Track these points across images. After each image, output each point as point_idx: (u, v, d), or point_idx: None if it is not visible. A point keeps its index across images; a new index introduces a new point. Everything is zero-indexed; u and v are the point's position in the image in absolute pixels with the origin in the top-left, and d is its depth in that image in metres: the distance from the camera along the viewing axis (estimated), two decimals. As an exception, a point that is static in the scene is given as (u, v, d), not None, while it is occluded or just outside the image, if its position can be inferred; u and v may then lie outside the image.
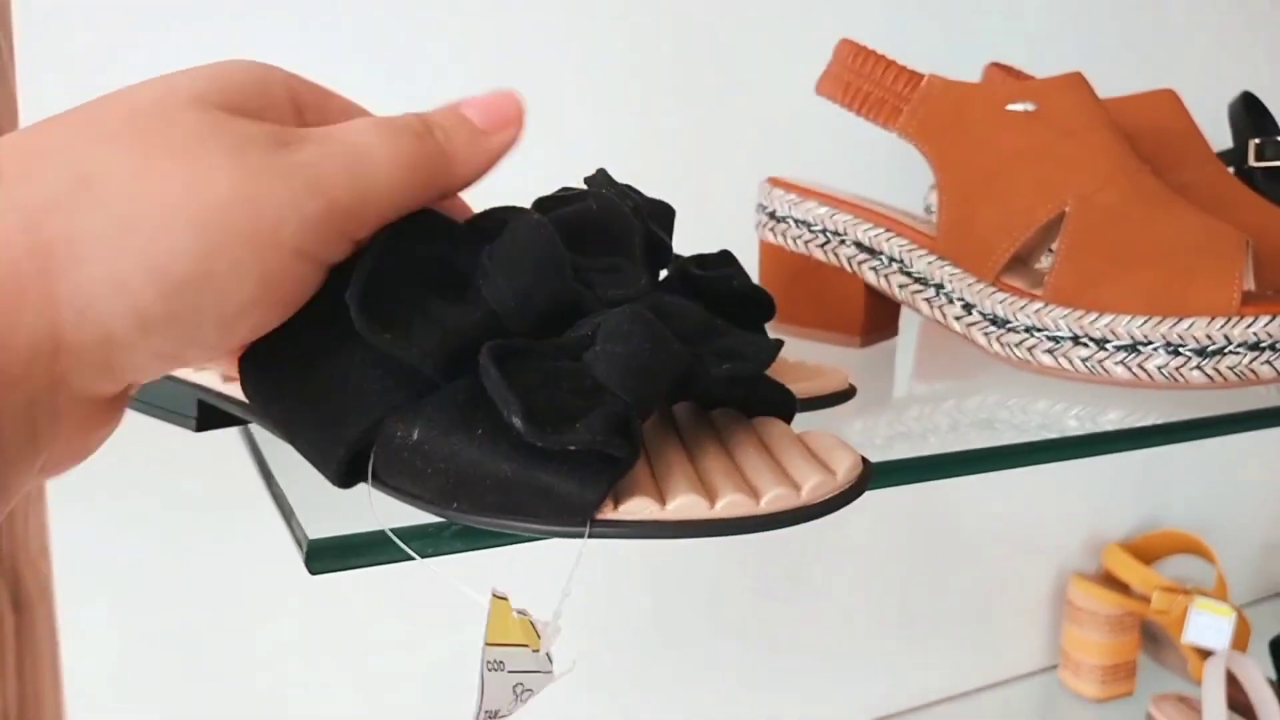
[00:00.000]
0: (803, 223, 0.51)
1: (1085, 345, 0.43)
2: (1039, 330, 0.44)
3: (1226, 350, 0.41)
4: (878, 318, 0.52)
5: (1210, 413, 0.42)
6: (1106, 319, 0.42)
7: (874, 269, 0.50)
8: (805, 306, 0.52)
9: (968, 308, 0.47)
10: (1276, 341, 0.41)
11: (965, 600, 0.90)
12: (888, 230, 0.49)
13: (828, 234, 0.51)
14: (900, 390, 0.52)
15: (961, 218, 0.46)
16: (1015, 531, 0.91)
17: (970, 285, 0.46)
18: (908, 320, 0.54)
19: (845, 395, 0.36)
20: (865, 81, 0.49)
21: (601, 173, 0.35)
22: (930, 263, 0.48)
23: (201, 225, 0.20)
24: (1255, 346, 0.41)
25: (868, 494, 0.27)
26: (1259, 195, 0.54)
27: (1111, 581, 0.89)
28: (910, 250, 0.48)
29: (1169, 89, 0.56)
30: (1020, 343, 0.45)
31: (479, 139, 0.25)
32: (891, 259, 0.49)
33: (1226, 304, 0.41)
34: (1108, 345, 0.43)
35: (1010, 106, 0.46)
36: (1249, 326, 0.41)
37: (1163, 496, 1.01)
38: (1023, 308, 0.44)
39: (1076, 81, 0.46)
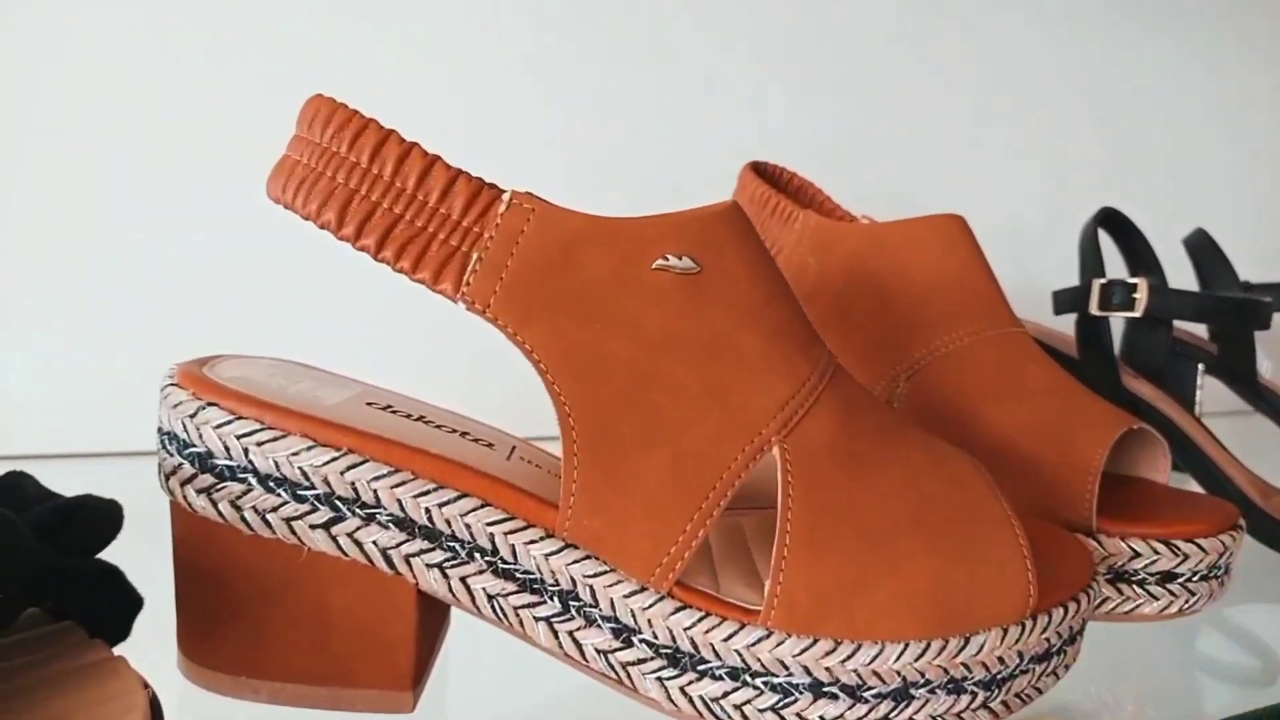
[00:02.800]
0: (282, 481, 0.25)
1: (834, 698, 0.25)
2: (756, 675, 0.25)
3: (1017, 672, 0.26)
4: (432, 640, 0.28)
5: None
6: (869, 653, 0.24)
7: (440, 567, 0.25)
8: (292, 643, 0.26)
9: (624, 634, 0.25)
10: (1063, 643, 0.27)
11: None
12: (464, 495, 0.25)
13: (342, 504, 0.25)
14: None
15: (606, 475, 0.25)
16: None
17: (627, 596, 0.25)
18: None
19: None
20: (387, 195, 0.24)
21: None
22: (550, 555, 0.25)
23: None
24: (1045, 656, 0.27)
25: None
26: (1055, 367, 0.39)
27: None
28: (512, 533, 0.25)
29: (955, 215, 0.41)
30: (724, 696, 0.25)
31: None
32: (477, 550, 0.25)
33: (1023, 603, 0.26)
34: (866, 695, 0.25)
35: (660, 263, 0.26)
36: (1044, 631, 0.26)
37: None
38: (728, 638, 0.24)
39: (743, 220, 0.28)
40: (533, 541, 0.25)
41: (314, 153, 0.25)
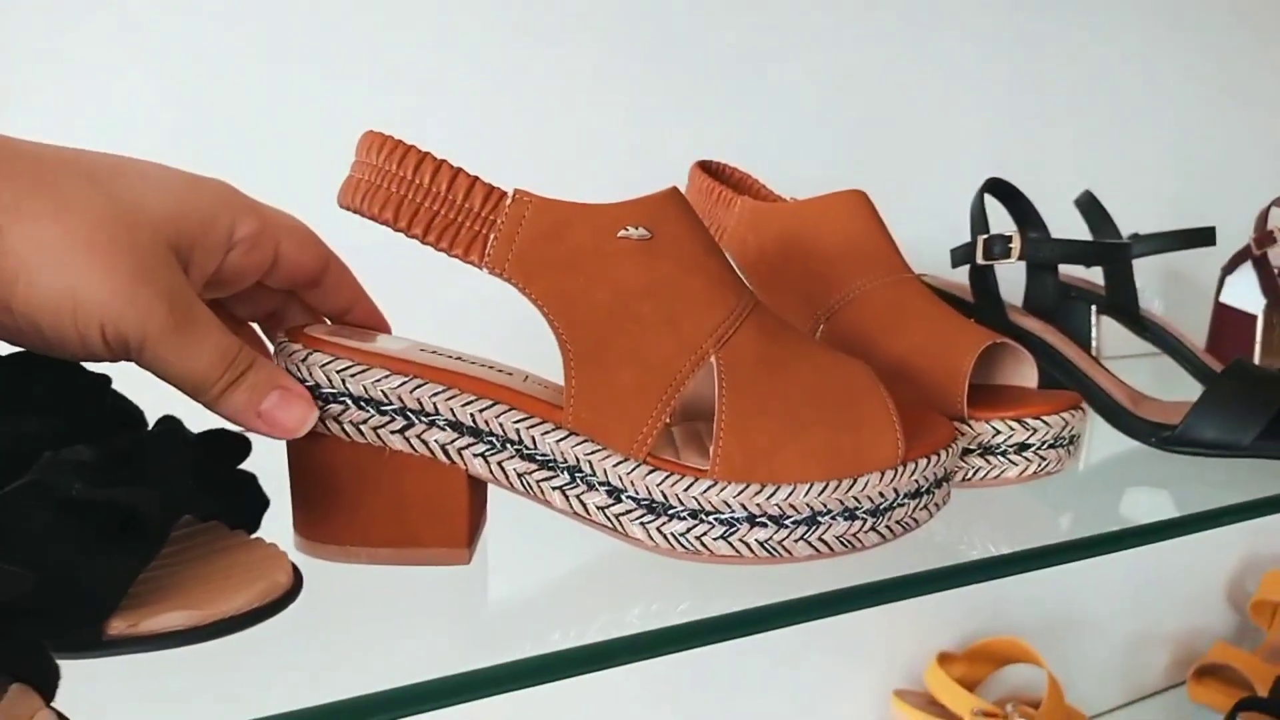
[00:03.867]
0: (368, 401, 0.35)
1: (764, 525, 0.35)
2: (708, 514, 0.35)
3: (895, 504, 0.37)
4: (480, 512, 0.39)
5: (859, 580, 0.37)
6: (785, 491, 0.35)
7: (483, 455, 0.36)
8: (380, 518, 0.36)
9: (614, 493, 0.36)
10: (930, 484, 0.38)
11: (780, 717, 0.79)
12: (497, 402, 0.36)
13: (410, 415, 0.35)
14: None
15: (596, 381, 0.35)
16: (835, 638, 0.81)
17: (615, 465, 0.36)
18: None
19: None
20: (426, 197, 0.35)
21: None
22: (559, 440, 0.36)
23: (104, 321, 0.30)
24: (916, 494, 0.38)
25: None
26: (937, 302, 0.49)
27: (934, 702, 0.82)
28: (531, 427, 0.36)
29: (858, 190, 0.52)
30: (688, 531, 0.35)
31: (247, 411, 0.34)
32: (506, 441, 0.36)
33: (893, 454, 0.37)
34: (787, 521, 0.35)
35: (623, 233, 0.36)
36: (912, 474, 0.37)
37: (1001, 596, 0.94)
38: (687, 488, 0.35)
39: (682, 199, 0.38)
40: (546, 432, 0.36)
41: (371, 171, 0.36)
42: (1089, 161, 0.98)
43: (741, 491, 0.35)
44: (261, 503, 0.35)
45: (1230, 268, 0.84)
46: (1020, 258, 0.57)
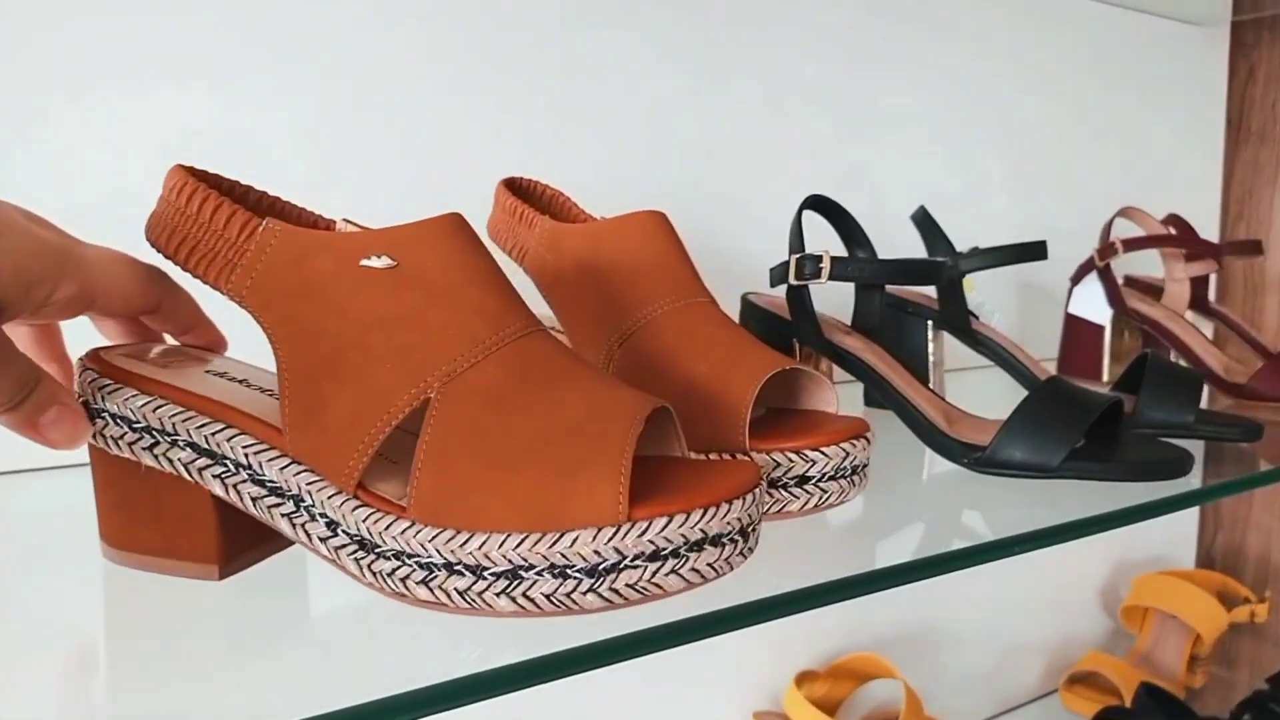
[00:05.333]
0: (121, 418, 0.37)
1: (461, 574, 0.33)
2: (410, 556, 0.34)
3: (622, 566, 0.33)
4: (248, 533, 0.39)
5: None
6: (479, 540, 0.33)
7: (220, 477, 0.37)
8: (145, 528, 0.38)
9: (332, 526, 0.35)
10: (679, 547, 0.34)
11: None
12: (229, 426, 0.36)
13: (154, 433, 0.37)
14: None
15: (310, 409, 0.35)
16: (689, 661, 0.80)
17: (330, 497, 0.35)
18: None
19: None
20: (194, 226, 0.36)
21: None
22: (283, 468, 0.36)
23: None
24: (655, 556, 0.33)
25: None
26: (728, 326, 0.46)
27: (792, 726, 0.82)
28: (259, 452, 0.36)
29: (655, 210, 0.50)
30: (393, 571, 0.34)
31: (24, 426, 0.36)
32: (239, 464, 0.36)
33: (613, 510, 0.33)
34: (485, 573, 0.33)
35: (365, 262, 0.36)
36: (641, 535, 0.33)
37: (865, 611, 0.92)
38: (388, 527, 0.34)
39: (448, 227, 0.37)
40: (272, 459, 0.36)
41: (161, 204, 0.38)
42: (941, 175, 0.94)
43: (436, 536, 0.33)
44: None
45: (1077, 278, 0.85)
46: (830, 278, 0.55)
